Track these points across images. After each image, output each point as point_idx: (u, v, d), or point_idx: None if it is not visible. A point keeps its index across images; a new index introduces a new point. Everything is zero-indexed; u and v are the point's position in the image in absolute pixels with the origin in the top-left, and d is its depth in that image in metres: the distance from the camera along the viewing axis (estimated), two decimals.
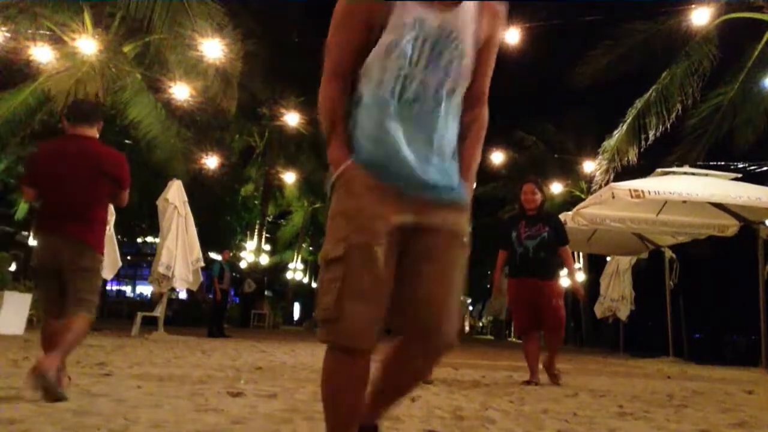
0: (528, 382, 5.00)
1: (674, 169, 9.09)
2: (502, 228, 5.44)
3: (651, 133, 12.69)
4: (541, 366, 5.09)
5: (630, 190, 7.34)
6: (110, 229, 8.24)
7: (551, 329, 5.03)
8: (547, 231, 5.01)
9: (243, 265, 23.45)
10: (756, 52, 11.83)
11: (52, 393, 2.77)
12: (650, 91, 12.74)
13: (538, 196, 5.11)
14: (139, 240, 25.05)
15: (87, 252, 3.26)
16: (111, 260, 8.88)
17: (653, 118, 12.59)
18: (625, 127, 13.10)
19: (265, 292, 23.67)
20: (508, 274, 5.27)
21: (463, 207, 1.59)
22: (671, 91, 12.45)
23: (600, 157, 13.93)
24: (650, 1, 13.18)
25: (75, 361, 4.03)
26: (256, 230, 22.69)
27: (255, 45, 15.15)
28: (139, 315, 10.28)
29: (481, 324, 39.40)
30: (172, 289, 11.48)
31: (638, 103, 12.95)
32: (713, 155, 13.43)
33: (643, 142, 12.85)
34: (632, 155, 13.05)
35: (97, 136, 3.49)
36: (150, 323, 10.26)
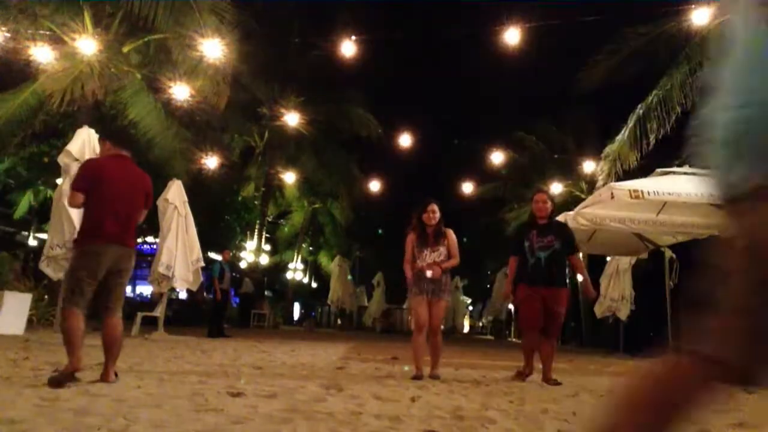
0: (521, 373, 5.17)
1: (674, 169, 9.07)
2: (514, 235, 5.73)
3: (652, 137, 12.69)
4: (540, 367, 5.25)
5: (629, 190, 7.35)
6: None
7: (549, 335, 5.21)
8: (559, 243, 5.21)
9: (243, 265, 23.44)
10: None
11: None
12: (651, 96, 12.73)
13: (549, 206, 5.33)
14: (140, 240, 25.04)
15: (133, 260, 3.87)
16: None
17: (654, 122, 12.58)
18: (627, 132, 13.09)
19: (265, 292, 23.65)
20: (517, 279, 5.41)
21: None
22: (671, 94, 12.43)
23: (602, 162, 13.94)
24: (651, 1, 13.16)
25: None
26: (256, 230, 22.67)
27: (255, 45, 15.13)
28: (139, 315, 10.26)
29: (481, 324, 39.33)
30: (172, 289, 11.46)
31: (639, 108, 12.95)
32: None
33: (644, 147, 12.87)
34: (633, 159, 13.07)
35: None
36: (150, 323, 10.25)
